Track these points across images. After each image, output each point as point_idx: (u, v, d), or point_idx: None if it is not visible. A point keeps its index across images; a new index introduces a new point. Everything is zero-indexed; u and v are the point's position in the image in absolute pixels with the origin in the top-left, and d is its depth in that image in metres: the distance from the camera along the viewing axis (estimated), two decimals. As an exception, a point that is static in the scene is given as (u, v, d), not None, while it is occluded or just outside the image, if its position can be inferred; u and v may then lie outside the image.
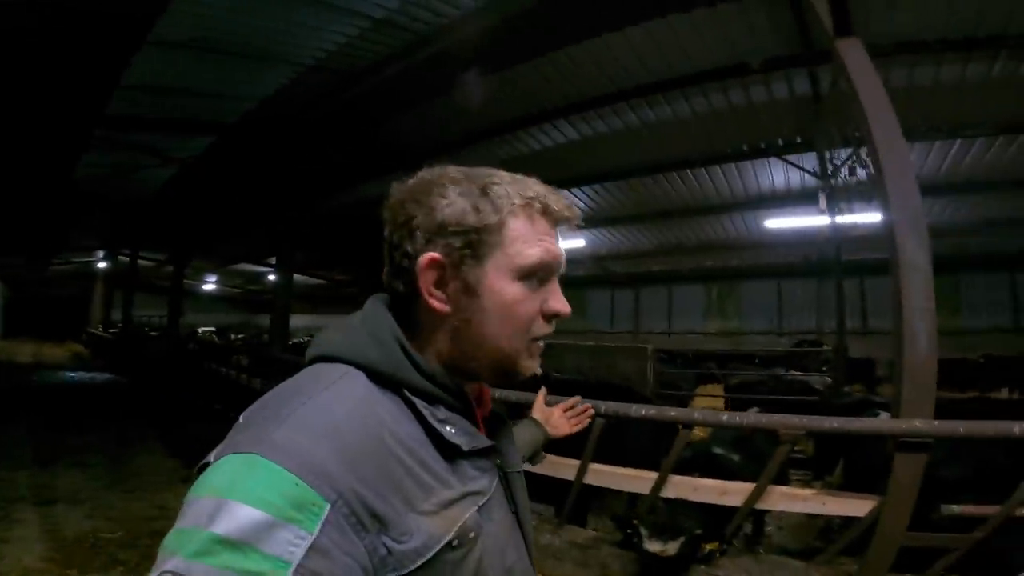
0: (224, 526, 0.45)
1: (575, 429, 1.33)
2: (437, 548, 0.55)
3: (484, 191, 0.64)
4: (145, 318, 23.30)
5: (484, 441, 0.66)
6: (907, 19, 5.29)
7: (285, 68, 6.03)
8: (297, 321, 26.68)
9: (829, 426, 2.33)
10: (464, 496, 0.60)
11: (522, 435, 1.18)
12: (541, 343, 0.69)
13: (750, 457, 3.14)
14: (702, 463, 3.05)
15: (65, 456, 5.53)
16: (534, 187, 0.67)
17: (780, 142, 8.69)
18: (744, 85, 6.95)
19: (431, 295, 0.64)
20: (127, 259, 17.37)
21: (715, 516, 2.71)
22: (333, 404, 0.56)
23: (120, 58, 4.70)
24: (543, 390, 1.41)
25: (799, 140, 8.43)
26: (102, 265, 21.45)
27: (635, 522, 2.54)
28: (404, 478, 0.55)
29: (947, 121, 7.01)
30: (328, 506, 0.49)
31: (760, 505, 2.58)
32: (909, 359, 2.30)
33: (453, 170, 0.67)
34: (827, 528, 3.63)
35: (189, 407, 8.11)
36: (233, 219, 12.25)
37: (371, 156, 8.81)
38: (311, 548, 0.47)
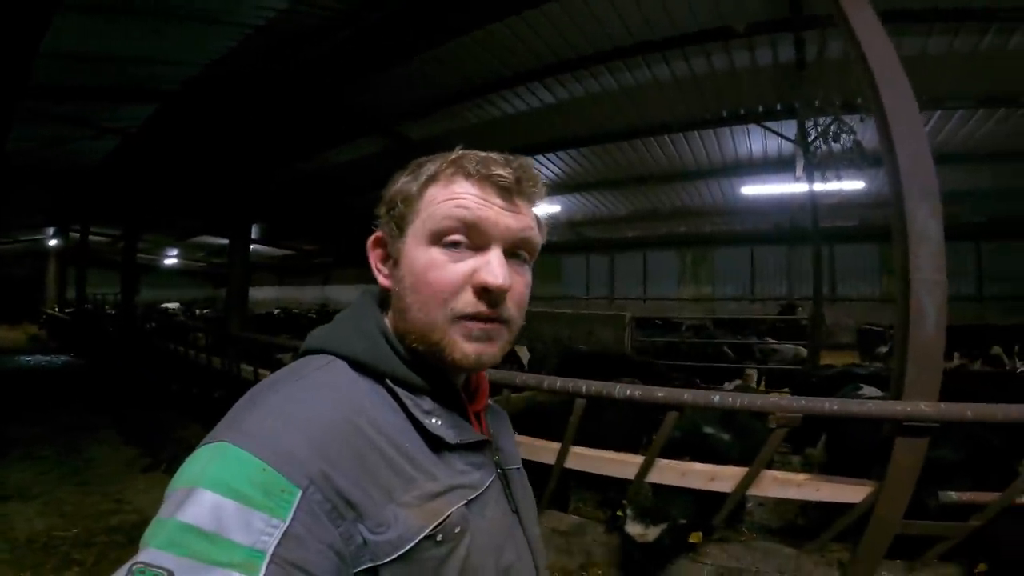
0: (191, 515, 0.44)
1: None
2: (415, 541, 0.52)
3: (418, 165, 0.65)
4: (103, 296, 22.27)
5: (474, 435, 0.64)
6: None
7: (230, 30, 5.49)
8: (263, 293, 26.13)
9: (828, 409, 2.18)
10: (450, 489, 0.58)
11: None
12: (488, 325, 0.60)
13: (740, 435, 3.03)
14: (693, 444, 2.92)
15: (16, 448, 5.26)
16: (461, 152, 0.63)
17: (760, 108, 8.56)
18: (727, 49, 6.73)
19: (378, 271, 0.66)
20: (78, 235, 16.45)
21: (703, 501, 2.59)
22: (308, 391, 0.55)
23: (36, 22, 4.17)
24: None
25: (779, 107, 8.30)
26: (53, 242, 20.61)
27: (624, 502, 2.42)
28: (383, 467, 0.54)
29: (929, 92, 6.96)
30: (299, 492, 0.47)
31: (752, 491, 2.46)
32: (915, 336, 2.15)
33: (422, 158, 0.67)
34: (808, 505, 3.58)
35: (145, 390, 7.74)
36: (186, 190, 11.63)
37: (334, 121, 8.34)
38: (285, 536, 0.45)
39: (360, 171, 11.13)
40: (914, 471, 2.11)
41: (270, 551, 0.44)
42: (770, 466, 2.66)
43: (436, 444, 0.59)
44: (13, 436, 5.67)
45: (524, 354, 7.12)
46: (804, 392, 4.41)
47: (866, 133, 7.14)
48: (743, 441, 3.02)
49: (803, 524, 3.30)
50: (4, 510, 3.83)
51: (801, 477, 2.45)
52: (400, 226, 0.63)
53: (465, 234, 0.60)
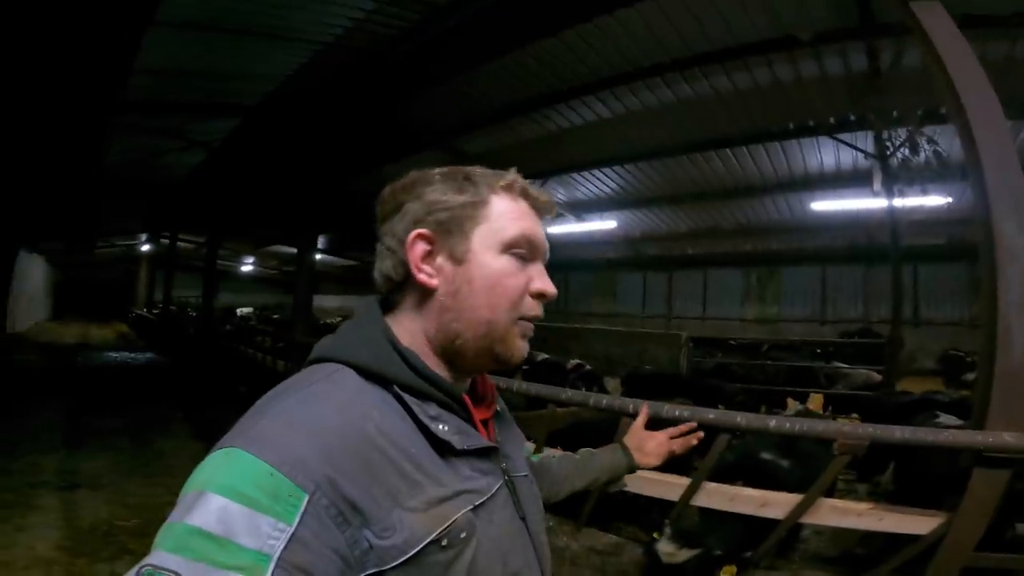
0: (199, 518, 0.45)
1: (670, 455, 1.19)
2: (420, 546, 0.53)
3: (467, 176, 0.68)
4: (187, 299, 24.09)
5: (481, 441, 0.65)
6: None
7: (301, 47, 5.86)
8: (327, 302, 27.32)
9: (899, 437, 2.00)
10: (457, 495, 0.59)
11: (600, 458, 1.13)
12: (531, 326, 0.69)
13: (801, 462, 2.83)
14: (747, 469, 2.76)
15: (94, 439, 5.59)
16: (513, 174, 0.70)
17: (831, 120, 8.10)
18: (792, 59, 6.45)
19: (420, 269, 0.65)
20: (167, 241, 17.91)
21: (755, 530, 2.43)
22: (316, 398, 0.56)
23: (129, 40, 4.63)
24: (645, 412, 1.30)
25: (852, 118, 7.83)
26: (145, 248, 22.26)
27: (665, 522, 2.36)
28: (389, 472, 0.54)
29: (1018, 100, 6.34)
30: (306, 497, 0.48)
31: (806, 519, 2.29)
32: (1002, 362, 1.95)
33: (439, 168, 0.71)
34: (871, 534, 3.28)
35: (217, 389, 8.22)
36: (262, 201, 12.40)
37: (394, 136, 8.66)
38: (292, 540, 0.46)
39: (420, 185, 11.47)
40: (992, 503, 1.91)
41: (276, 555, 0.45)
42: (832, 494, 2.47)
43: (443, 449, 0.60)
44: (94, 427, 6.06)
45: (616, 387, 6.85)
46: (876, 419, 4.09)
47: (951, 144, 6.61)
48: (804, 468, 2.82)
49: (863, 555, 3.03)
50: (73, 497, 4.07)
51: (863, 506, 2.25)
52: (461, 228, 0.65)
53: (527, 248, 0.68)
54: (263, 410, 0.56)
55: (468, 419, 0.67)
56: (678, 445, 1.17)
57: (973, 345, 10.98)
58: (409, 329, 0.67)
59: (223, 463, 0.50)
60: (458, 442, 0.61)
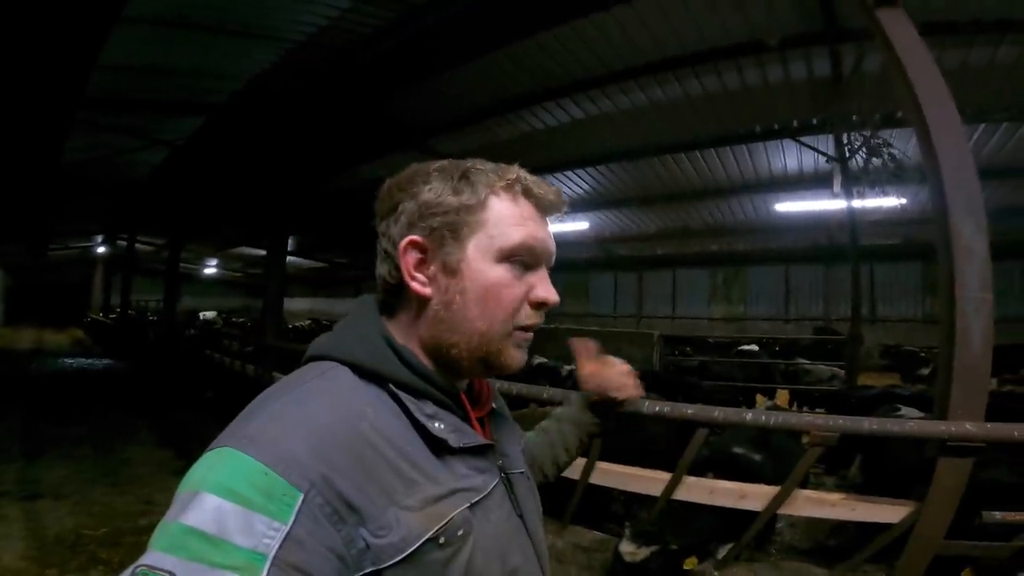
0: (194, 518, 0.45)
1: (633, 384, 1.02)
2: (417, 544, 0.53)
3: (464, 174, 0.64)
4: (145, 303, 23.21)
5: (477, 439, 0.64)
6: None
7: (273, 45, 5.74)
8: (297, 304, 26.77)
9: (867, 428, 2.10)
10: (453, 493, 0.58)
11: (570, 426, 1.03)
12: (529, 334, 0.66)
13: (773, 456, 2.93)
14: (720, 463, 2.84)
15: (55, 447, 5.38)
16: (516, 170, 0.66)
17: (795, 123, 8.43)
18: (760, 64, 6.67)
19: (413, 278, 0.64)
20: (125, 243, 17.23)
21: (730, 521, 2.51)
22: (310, 396, 0.56)
23: (95, 35, 4.44)
24: (587, 343, 1.06)
25: (815, 121, 8.15)
26: (101, 250, 21.39)
27: (626, 524, 2.40)
28: (385, 471, 0.54)
29: (973, 105, 6.75)
30: (301, 495, 0.48)
31: (783, 510, 2.37)
32: (961, 355, 2.06)
33: (440, 161, 0.68)
34: (840, 525, 3.43)
35: (182, 394, 7.96)
36: (228, 202, 12.07)
37: (370, 136, 8.56)
38: (287, 538, 0.46)
39: (393, 186, 11.36)
40: (958, 492, 2.02)
41: (271, 554, 0.45)
42: (804, 486, 2.57)
43: (439, 448, 0.60)
44: (53, 435, 5.81)
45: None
46: (842, 413, 4.25)
47: (908, 147, 6.94)
48: (776, 462, 2.93)
49: (834, 545, 3.16)
50: (36, 508, 3.90)
51: (836, 497, 2.35)
52: (457, 234, 0.63)
53: (528, 255, 0.65)
54: (257, 410, 0.55)
55: (464, 417, 0.66)
56: (625, 372, 1.03)
57: (926, 341, 11.59)
58: (404, 331, 0.66)
59: (217, 463, 0.49)
60: (454, 440, 0.61)
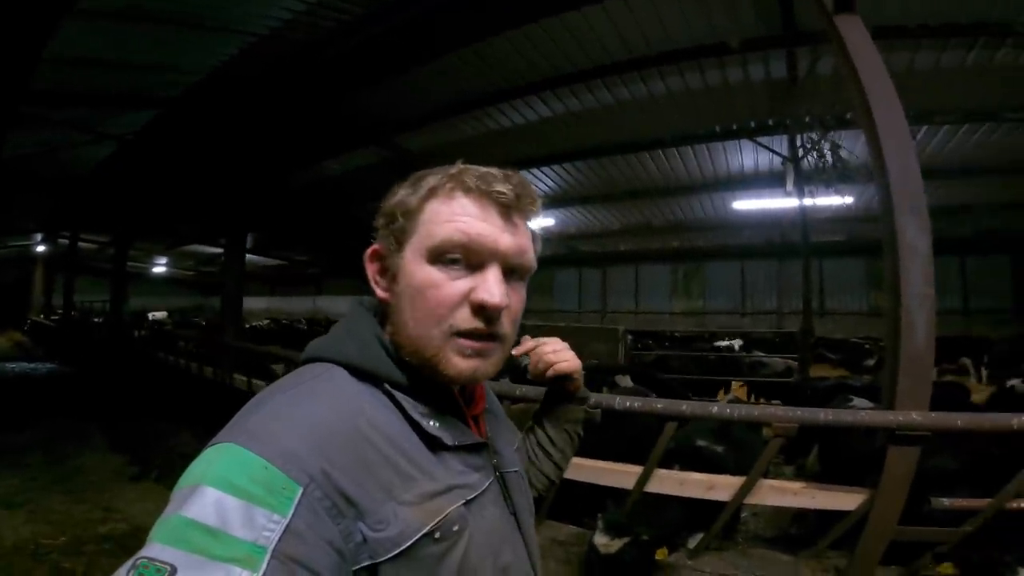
0: (194, 511, 0.45)
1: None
2: (414, 539, 0.54)
3: (415, 180, 0.65)
4: (90, 303, 21.96)
5: (471, 437, 0.65)
6: (892, 3, 5.24)
7: (234, 38, 5.54)
8: (254, 303, 25.88)
9: (824, 419, 2.22)
10: (449, 489, 0.59)
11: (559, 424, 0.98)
12: (481, 343, 0.62)
13: (734, 447, 3.06)
14: (685, 455, 2.94)
15: (1, 455, 5.16)
16: (459, 167, 0.64)
17: (752, 124, 8.71)
18: (721, 65, 6.86)
19: (376, 284, 0.67)
20: (67, 242, 16.27)
21: (695, 512, 2.61)
22: (307, 395, 0.57)
23: (40, 27, 4.16)
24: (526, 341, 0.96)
25: (770, 122, 8.46)
26: (41, 249, 20.27)
27: (599, 516, 2.45)
28: (382, 466, 0.55)
29: (917, 107, 7.10)
30: (300, 489, 0.49)
31: (749, 500, 2.49)
32: (906, 348, 2.20)
33: (417, 173, 0.67)
34: (802, 514, 3.61)
35: (135, 399, 7.63)
36: (180, 198, 11.57)
37: (331, 131, 8.36)
38: (286, 531, 0.46)
39: (356, 182, 11.14)
40: (907, 479, 2.16)
41: (271, 546, 0.46)
42: (765, 476, 2.69)
43: (434, 445, 0.61)
44: (1, 443, 5.55)
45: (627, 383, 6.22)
46: (797, 404, 4.46)
47: (855, 147, 7.30)
48: (737, 453, 3.05)
49: (796, 534, 3.33)
50: None
51: (797, 485, 2.48)
52: (399, 240, 0.64)
53: (463, 253, 0.61)
54: (255, 408, 0.56)
55: (459, 416, 0.67)
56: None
57: (871, 333, 12.27)
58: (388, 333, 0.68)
59: (217, 458, 0.50)
60: (449, 438, 0.62)
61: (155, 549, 0.45)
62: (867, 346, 10.20)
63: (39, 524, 3.67)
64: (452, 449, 0.63)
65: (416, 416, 0.61)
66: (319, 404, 0.56)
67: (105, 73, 5.99)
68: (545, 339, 0.95)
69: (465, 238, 0.60)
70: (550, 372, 0.91)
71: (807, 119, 7.06)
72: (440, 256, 0.61)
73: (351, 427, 0.55)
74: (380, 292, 0.66)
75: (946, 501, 2.18)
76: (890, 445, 2.18)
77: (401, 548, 0.53)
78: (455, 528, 0.58)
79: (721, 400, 6.19)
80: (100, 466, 5.02)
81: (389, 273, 0.65)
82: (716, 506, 2.53)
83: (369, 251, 0.67)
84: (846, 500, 2.34)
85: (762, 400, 7.17)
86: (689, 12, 5.74)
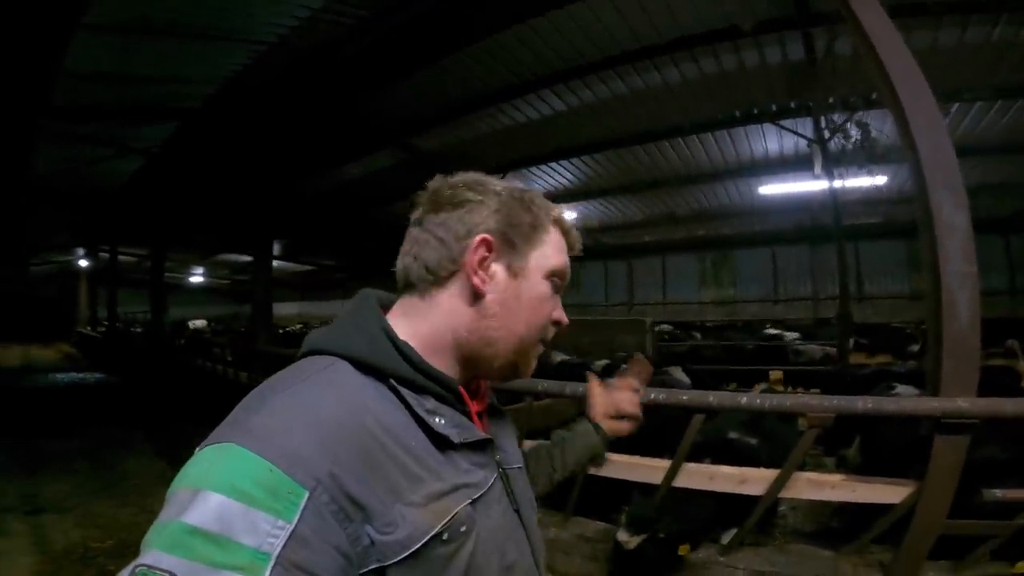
0: (197, 516, 0.44)
1: (635, 415, 1.09)
2: (423, 541, 0.53)
3: (530, 198, 0.71)
4: (132, 314, 22.88)
5: (477, 434, 0.65)
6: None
7: (244, 47, 5.67)
8: (285, 309, 26.53)
9: (861, 408, 2.11)
10: (456, 489, 0.59)
11: (574, 443, 1.06)
12: (541, 348, 0.72)
13: (768, 439, 2.95)
14: (716, 448, 2.86)
15: (53, 462, 5.38)
16: (558, 209, 0.75)
17: (773, 107, 8.49)
18: (736, 49, 6.71)
19: (475, 272, 0.65)
20: (107, 255, 16.96)
21: (728, 507, 2.53)
22: (313, 392, 0.55)
23: (55, 40, 4.33)
24: (593, 377, 1.15)
25: (792, 105, 8.21)
26: (83, 263, 21.11)
27: (623, 509, 2.43)
28: (390, 467, 0.54)
29: (944, 85, 6.81)
30: (306, 493, 0.47)
31: (784, 494, 2.40)
32: (949, 330, 2.08)
33: (497, 180, 0.73)
34: (843, 508, 3.47)
35: (175, 404, 7.89)
36: (209, 208, 11.90)
37: (347, 135, 8.48)
38: (291, 537, 0.45)
39: (375, 184, 11.28)
40: (955, 470, 2.03)
41: (275, 553, 0.44)
42: (803, 468, 2.59)
43: (441, 443, 0.60)
44: (49, 450, 5.80)
45: (683, 377, 6.07)
46: (836, 392, 4.30)
47: (885, 126, 7.01)
48: (771, 446, 2.95)
49: (839, 527, 3.20)
50: (39, 522, 3.91)
51: (836, 478, 2.38)
52: (527, 243, 0.69)
53: (561, 282, 0.73)
54: (257, 405, 0.54)
55: (464, 412, 0.66)
56: (635, 401, 1.09)
57: (914, 317, 11.77)
58: (410, 327, 0.66)
59: (220, 459, 0.48)
60: (455, 435, 0.61)
61: (153, 556, 0.43)
62: (908, 331, 9.78)
63: (88, 528, 3.79)
64: (458, 447, 0.62)
65: (422, 413, 0.59)
66: (325, 401, 0.54)
67: (122, 87, 6.18)
68: (619, 384, 1.12)
69: (567, 270, 0.73)
70: (630, 410, 1.08)
71: (830, 100, 6.81)
72: (551, 277, 0.71)
73: (358, 425, 0.54)
74: (477, 281, 0.65)
75: (998, 492, 2.05)
76: (936, 434, 2.07)
77: (410, 551, 0.52)
78: (462, 528, 0.57)
79: (755, 391, 6.01)
80: (144, 471, 5.17)
81: (499, 266, 0.67)
82: (751, 501, 2.45)
83: (480, 238, 0.66)
84: (889, 493, 2.23)
85: (800, 390, 6.95)
86: (697, -2, 5.64)
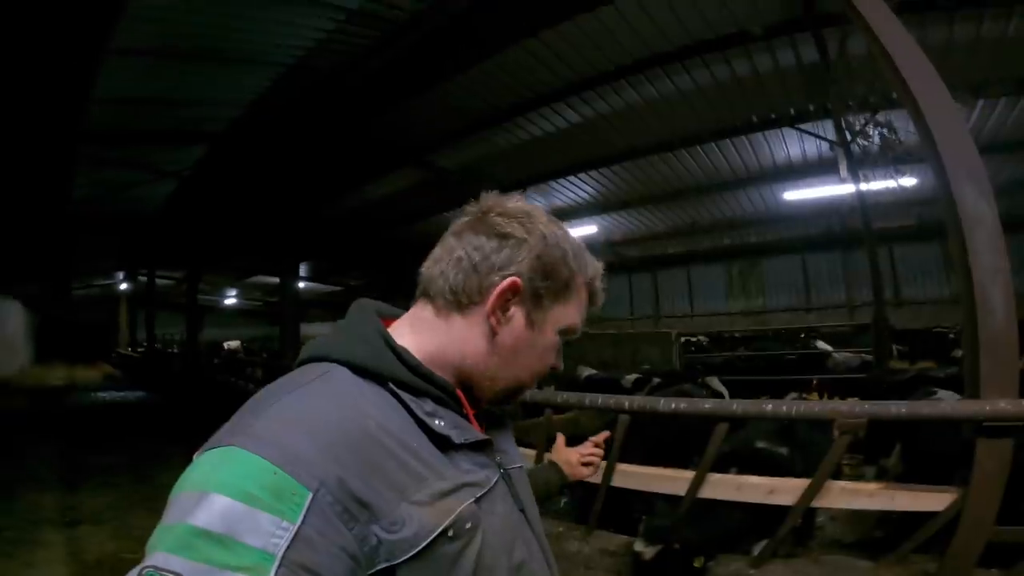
0: (202, 518, 0.45)
1: (593, 465, 1.25)
2: (430, 539, 0.53)
3: (575, 254, 0.71)
4: (171, 335, 23.66)
5: (477, 435, 0.65)
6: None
7: (264, 70, 5.87)
8: (316, 329, 26.93)
9: (895, 412, 2.02)
10: (460, 487, 0.59)
11: (536, 478, 1.10)
12: (533, 385, 0.76)
13: (800, 449, 2.84)
14: (743, 458, 2.76)
15: (91, 476, 5.54)
16: (600, 269, 0.76)
17: (792, 111, 8.35)
18: (748, 54, 6.65)
19: (494, 311, 0.66)
20: (145, 279, 17.65)
21: (760, 518, 2.43)
22: (313, 395, 0.56)
23: (85, 66, 4.58)
24: (561, 437, 1.32)
25: (812, 108, 8.07)
26: (123, 287, 21.96)
27: (642, 519, 2.38)
28: (393, 467, 0.54)
29: (963, 81, 6.63)
30: (310, 494, 0.48)
31: (818, 503, 2.29)
32: (985, 329, 1.98)
33: (549, 218, 0.72)
34: (887, 517, 3.30)
35: (212, 422, 8.05)
36: (239, 231, 12.26)
37: (368, 156, 8.66)
38: (295, 538, 0.46)
39: (398, 203, 11.47)
40: (1001, 474, 1.92)
41: (280, 554, 0.45)
42: (838, 477, 2.48)
43: (442, 444, 0.61)
44: (90, 464, 5.98)
45: (720, 387, 5.85)
46: (874, 399, 4.13)
47: (909, 125, 6.81)
48: (803, 455, 2.83)
49: (881, 537, 3.04)
50: (76, 533, 4.02)
51: (872, 487, 2.27)
52: (553, 299, 0.70)
53: (572, 335, 0.74)
54: (258, 409, 0.55)
55: (462, 414, 0.67)
56: (597, 455, 1.23)
57: (954, 321, 11.24)
58: (431, 339, 0.68)
59: (223, 462, 0.49)
60: (456, 436, 0.62)
61: (160, 558, 0.44)
62: (951, 335, 9.35)
63: (123, 540, 3.88)
64: (459, 447, 0.62)
65: (422, 415, 0.60)
66: (326, 404, 0.55)
67: (152, 110, 6.44)
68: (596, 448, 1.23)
69: (579, 330, 0.74)
70: (588, 473, 1.22)
71: (849, 101, 6.67)
72: (565, 333, 0.73)
73: (360, 428, 0.54)
74: (493, 321, 0.66)
75: (1051, 497, 1.93)
76: (978, 438, 1.96)
77: (418, 548, 0.53)
78: (468, 526, 0.57)
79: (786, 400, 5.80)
80: (178, 484, 5.33)
81: (518, 312, 0.68)
82: (785, 512, 2.35)
83: (510, 281, 0.66)
84: (931, 500, 2.11)
85: (836, 398, 6.69)
86: (704, 5, 5.63)
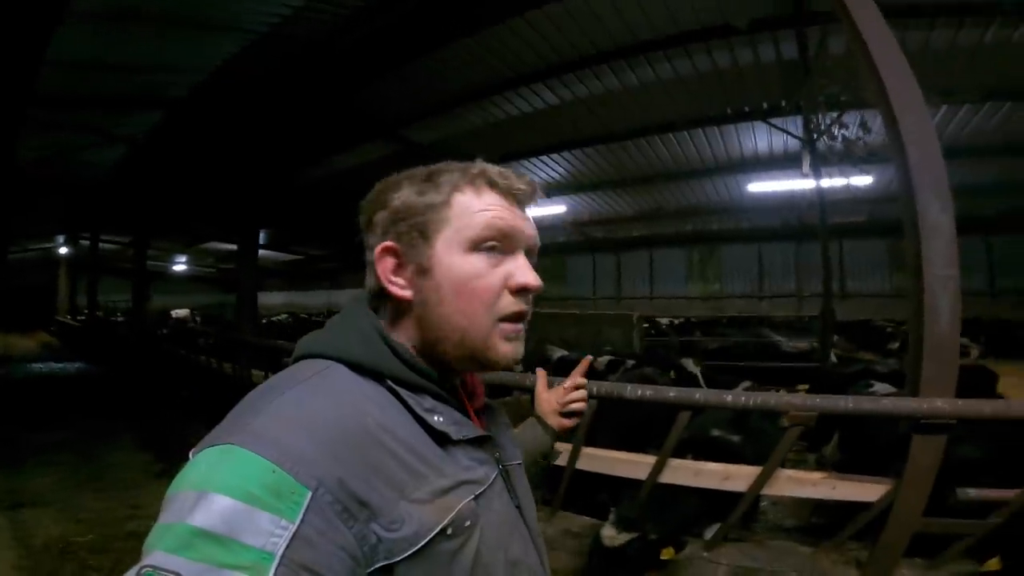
0: (202, 518, 0.44)
1: (577, 409, 1.09)
2: (430, 536, 0.53)
3: (429, 176, 0.66)
4: (114, 303, 22.50)
5: (476, 431, 0.65)
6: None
7: (235, 36, 5.56)
8: (272, 299, 26.28)
9: (844, 407, 2.15)
10: (459, 484, 0.59)
11: (527, 440, 1.03)
12: (519, 326, 0.66)
13: (750, 437, 3.00)
14: (699, 445, 2.89)
15: (32, 455, 5.27)
16: (480, 165, 0.67)
17: (765, 105, 8.53)
18: (730, 47, 6.72)
19: (391, 282, 0.64)
20: (88, 243, 16.66)
21: (712, 504, 2.57)
22: (311, 393, 0.55)
23: (41, 28, 4.21)
24: (541, 373, 1.16)
25: (784, 103, 8.27)
26: (63, 251, 20.87)
27: (612, 509, 2.41)
28: (392, 465, 0.54)
29: (935, 87, 6.93)
30: (309, 493, 0.47)
31: (767, 491, 2.43)
32: (930, 332, 2.11)
33: (411, 169, 0.69)
34: (823, 505, 3.54)
35: (158, 395, 7.78)
36: (195, 197, 11.73)
37: (340, 127, 8.38)
38: (294, 537, 0.45)
39: (367, 176, 10.92)
40: (932, 469, 2.08)
41: (279, 553, 0.44)
42: (784, 465, 2.64)
43: (441, 440, 0.60)
44: (30, 442, 5.68)
45: (695, 369, 5.74)
46: (821, 390, 4.36)
47: (873, 126, 7.09)
48: (754, 443, 2.99)
49: (819, 523, 3.26)
50: (20, 517, 3.83)
51: (817, 476, 2.42)
52: (424, 234, 0.63)
53: (500, 241, 0.64)
54: (255, 407, 0.54)
55: (461, 410, 0.66)
56: (579, 397, 1.09)
57: (895, 315, 11.99)
58: (395, 331, 0.66)
59: (222, 460, 0.48)
60: (455, 432, 0.61)
61: (159, 557, 0.43)
62: (889, 329, 9.98)
63: (68, 523, 3.72)
64: (458, 444, 0.62)
65: (420, 412, 0.60)
66: (325, 402, 0.54)
67: (107, 75, 6.04)
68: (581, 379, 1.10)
69: (505, 226, 0.64)
70: (575, 406, 1.06)
71: (821, 99, 6.88)
72: (479, 245, 0.63)
73: (359, 425, 0.54)
74: (397, 290, 0.64)
75: (972, 492, 2.10)
76: (914, 434, 2.11)
77: (417, 547, 0.52)
78: (467, 523, 0.57)
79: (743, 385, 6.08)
80: (127, 463, 5.08)
81: (411, 269, 0.64)
82: (733, 497, 2.48)
83: (380, 248, 0.64)
84: (868, 491, 2.27)
85: (785, 388, 7.04)
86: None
